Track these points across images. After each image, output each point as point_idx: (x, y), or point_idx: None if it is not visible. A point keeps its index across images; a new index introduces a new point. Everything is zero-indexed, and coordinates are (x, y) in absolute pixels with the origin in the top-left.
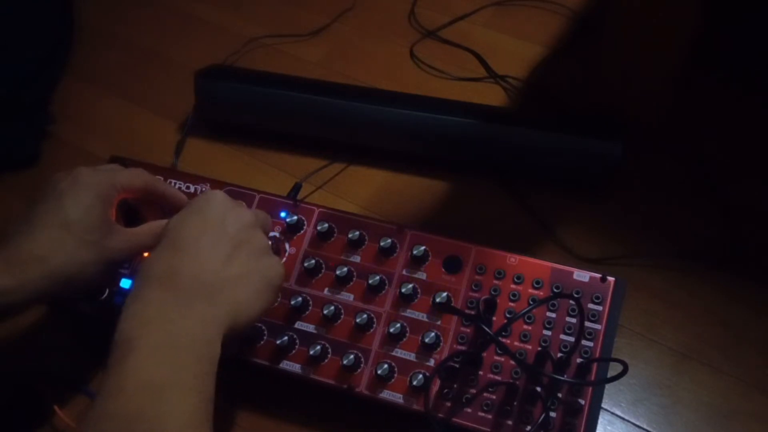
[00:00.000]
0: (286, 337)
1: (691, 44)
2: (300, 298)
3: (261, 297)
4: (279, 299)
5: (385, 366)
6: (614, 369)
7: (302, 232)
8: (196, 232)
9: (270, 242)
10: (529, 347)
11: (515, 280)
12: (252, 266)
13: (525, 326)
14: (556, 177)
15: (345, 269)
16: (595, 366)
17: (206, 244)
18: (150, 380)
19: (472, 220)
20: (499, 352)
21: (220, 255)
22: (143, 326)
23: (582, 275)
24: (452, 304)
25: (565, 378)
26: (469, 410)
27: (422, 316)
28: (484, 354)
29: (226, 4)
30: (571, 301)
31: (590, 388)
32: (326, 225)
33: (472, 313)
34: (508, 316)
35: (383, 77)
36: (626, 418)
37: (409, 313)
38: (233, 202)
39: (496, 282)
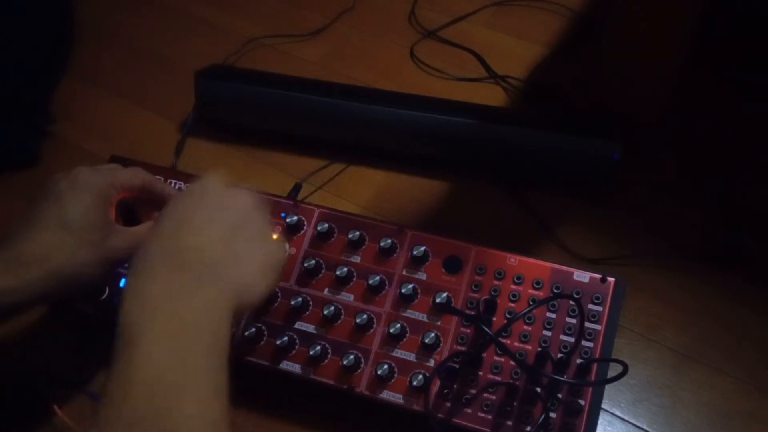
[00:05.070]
0: (286, 338)
1: (692, 44)
2: (300, 299)
3: (264, 276)
4: (279, 299)
5: (385, 366)
6: (614, 369)
7: (302, 232)
8: (195, 210)
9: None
10: (529, 348)
11: (515, 280)
12: (254, 245)
13: (525, 327)
14: (556, 177)
15: (345, 269)
16: (595, 366)
17: (206, 221)
18: (160, 372)
19: (472, 220)
20: (499, 352)
21: (220, 232)
22: (149, 311)
23: (582, 276)
24: (452, 305)
25: (565, 378)
26: (469, 411)
27: (422, 317)
28: (484, 354)
29: (226, 4)
30: (571, 302)
31: (590, 389)
32: (326, 225)
33: (472, 313)
34: (508, 316)
35: (383, 77)
36: (626, 418)
37: (409, 313)
38: (230, 184)
39: (496, 282)
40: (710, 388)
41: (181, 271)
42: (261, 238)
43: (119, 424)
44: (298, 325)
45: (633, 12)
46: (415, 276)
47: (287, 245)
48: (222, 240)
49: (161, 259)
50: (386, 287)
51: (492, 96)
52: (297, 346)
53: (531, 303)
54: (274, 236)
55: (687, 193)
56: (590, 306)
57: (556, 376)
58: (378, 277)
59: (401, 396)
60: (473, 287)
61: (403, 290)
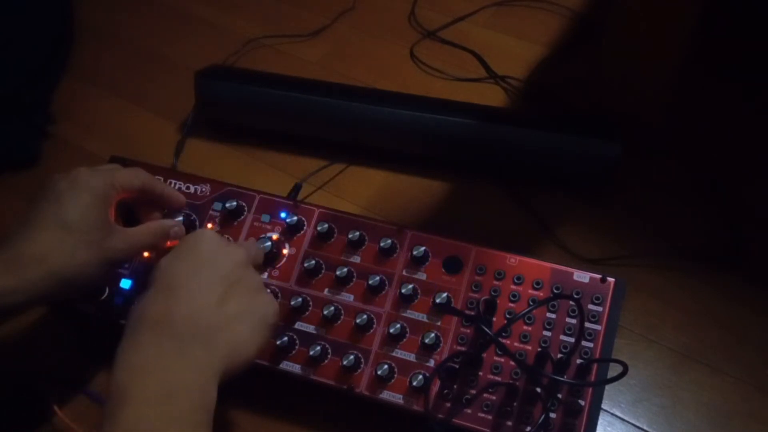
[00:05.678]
0: (286, 338)
1: (692, 44)
2: (300, 299)
3: (256, 337)
4: (279, 299)
5: (385, 366)
6: (614, 369)
7: (302, 232)
8: (188, 274)
9: (265, 241)
10: (529, 348)
11: (515, 280)
12: (246, 306)
13: (525, 327)
14: (556, 177)
15: (345, 270)
16: (595, 367)
17: (199, 285)
18: (146, 431)
19: (472, 221)
20: (499, 352)
21: (213, 296)
22: (137, 375)
23: (582, 276)
24: (452, 305)
25: (564, 379)
26: (469, 411)
27: (422, 317)
28: (484, 355)
29: (226, 4)
30: (571, 302)
31: (590, 389)
32: (326, 225)
33: (472, 313)
34: (508, 316)
35: (383, 77)
36: (626, 418)
37: (409, 313)
38: (223, 240)
39: (496, 283)
40: (710, 388)
41: (172, 337)
42: (253, 296)
43: None
44: (298, 325)
45: (633, 12)
46: (415, 276)
47: (287, 244)
48: (214, 305)
49: (153, 324)
50: (386, 287)
51: (492, 96)
52: (297, 347)
53: (531, 303)
54: (274, 236)
55: (687, 193)
56: (590, 306)
57: (556, 377)
58: (378, 278)
59: (401, 396)
60: (473, 287)
61: (403, 290)
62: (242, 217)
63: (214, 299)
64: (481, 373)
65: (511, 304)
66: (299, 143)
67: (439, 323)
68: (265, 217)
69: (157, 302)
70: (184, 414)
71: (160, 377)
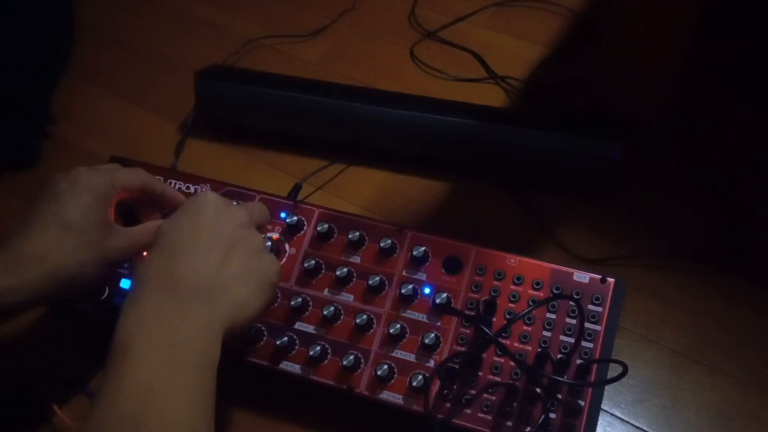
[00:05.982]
0: (285, 338)
1: (692, 44)
2: (300, 299)
3: (259, 296)
4: (279, 300)
5: (385, 367)
6: (614, 370)
7: (302, 232)
8: (191, 235)
9: (266, 240)
10: (529, 348)
11: (515, 281)
12: (248, 266)
13: (525, 327)
14: (556, 177)
15: (345, 270)
16: (594, 367)
17: (202, 246)
18: (149, 383)
19: (472, 221)
20: (498, 353)
21: (216, 257)
22: (141, 329)
23: (582, 276)
24: (452, 305)
25: (564, 379)
26: (468, 411)
27: (422, 317)
28: (484, 355)
29: (226, 4)
30: (571, 302)
31: (590, 389)
32: (326, 225)
33: (472, 314)
34: (507, 317)
35: (383, 77)
36: (626, 419)
37: (409, 313)
38: (226, 202)
39: (496, 283)
40: (710, 388)
41: (175, 295)
42: (255, 257)
43: (110, 424)
44: (297, 325)
45: (633, 12)
46: (415, 276)
47: (287, 244)
48: (215, 268)
49: (156, 283)
50: (386, 287)
51: (492, 96)
52: (297, 347)
53: (531, 303)
54: (274, 236)
55: (687, 193)
56: (590, 306)
57: (555, 377)
58: (378, 278)
59: (401, 396)
60: (473, 288)
61: (403, 290)
62: None
63: (215, 262)
64: (481, 374)
65: (511, 305)
66: (299, 143)
67: (439, 323)
68: None
69: (159, 263)
70: (186, 368)
71: (162, 334)
